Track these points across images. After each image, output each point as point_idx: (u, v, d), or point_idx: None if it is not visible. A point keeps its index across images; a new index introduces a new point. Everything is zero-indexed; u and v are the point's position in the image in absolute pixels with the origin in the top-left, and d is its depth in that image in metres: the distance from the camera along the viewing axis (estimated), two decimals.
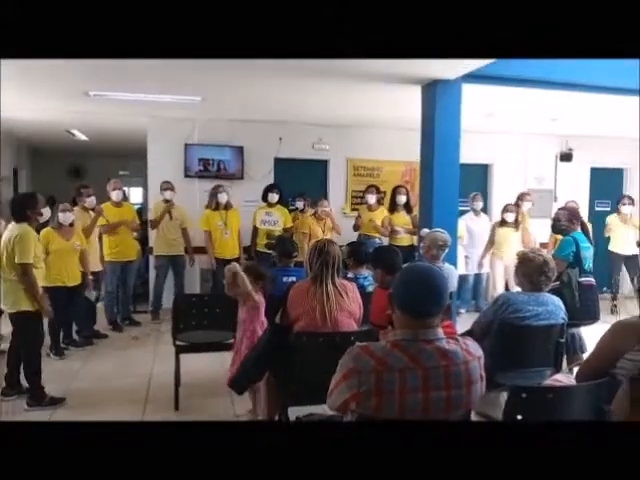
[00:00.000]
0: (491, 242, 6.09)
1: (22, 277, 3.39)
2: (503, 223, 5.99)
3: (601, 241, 6.56)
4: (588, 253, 3.76)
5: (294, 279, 3.09)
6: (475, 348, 1.57)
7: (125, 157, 10.24)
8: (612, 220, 6.63)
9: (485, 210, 6.67)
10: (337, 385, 1.53)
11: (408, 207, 6.05)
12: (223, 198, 5.75)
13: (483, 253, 6.17)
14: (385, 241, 6.05)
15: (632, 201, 6.52)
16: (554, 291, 3.33)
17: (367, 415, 1.47)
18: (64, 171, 10.50)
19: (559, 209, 4.19)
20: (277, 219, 5.88)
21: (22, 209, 3.50)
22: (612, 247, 6.60)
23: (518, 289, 2.90)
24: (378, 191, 6.35)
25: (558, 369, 2.74)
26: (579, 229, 3.87)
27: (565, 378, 2.34)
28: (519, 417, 1.65)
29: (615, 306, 6.54)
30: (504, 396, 1.96)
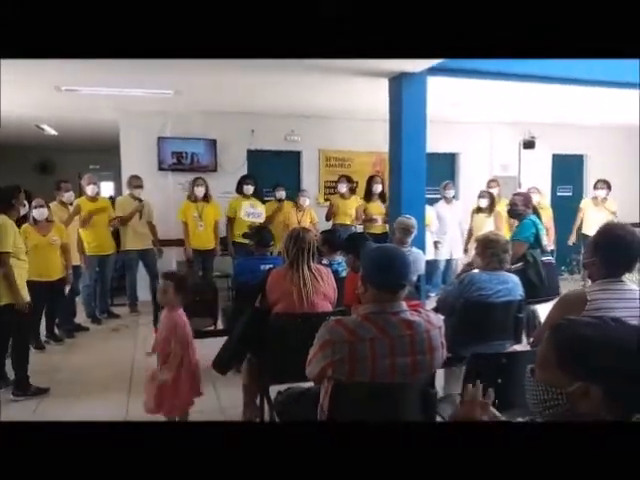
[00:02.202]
0: (471, 229, 6.24)
1: None
2: (478, 210, 6.18)
3: (562, 224, 6.88)
4: (543, 234, 4.02)
5: (271, 266, 3.24)
6: (436, 319, 1.76)
7: (94, 151, 10.14)
8: (586, 203, 6.82)
9: (455, 198, 6.89)
10: (315, 355, 1.71)
11: (383, 196, 6.18)
12: (199, 191, 5.85)
13: (466, 240, 6.32)
14: (360, 228, 6.23)
15: (606, 185, 6.56)
16: (518, 272, 3.57)
17: (342, 380, 1.65)
18: (30, 166, 10.34)
19: (514, 195, 4.32)
20: (261, 212, 6.02)
21: (7, 199, 3.55)
22: (584, 230, 6.76)
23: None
24: (349, 180, 6.52)
25: (517, 341, 2.98)
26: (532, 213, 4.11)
27: (522, 349, 2.58)
28: (478, 381, 1.86)
29: (584, 286, 6.86)
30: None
